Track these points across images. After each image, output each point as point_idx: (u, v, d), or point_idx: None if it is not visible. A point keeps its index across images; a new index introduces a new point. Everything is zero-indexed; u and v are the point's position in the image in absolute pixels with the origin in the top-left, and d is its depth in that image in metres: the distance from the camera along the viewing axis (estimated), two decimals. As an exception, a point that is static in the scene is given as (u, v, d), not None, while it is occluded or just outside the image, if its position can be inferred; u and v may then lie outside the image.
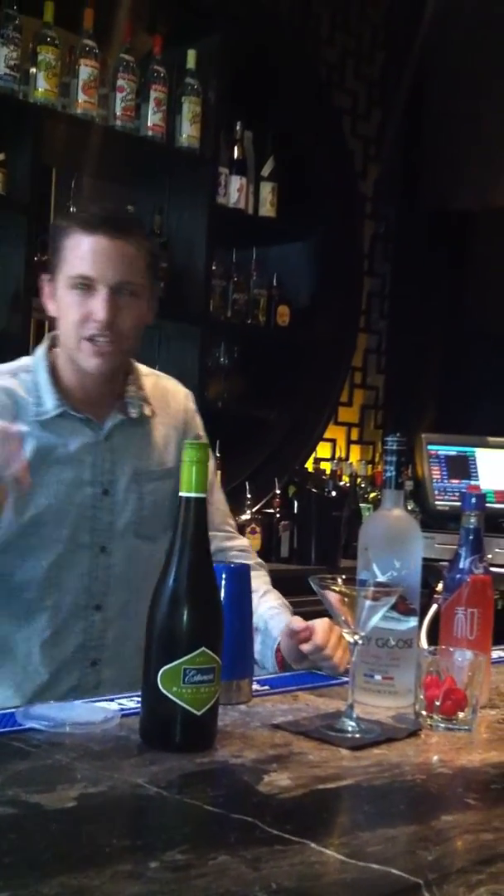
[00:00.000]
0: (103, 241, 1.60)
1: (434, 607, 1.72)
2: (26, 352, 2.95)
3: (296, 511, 3.66)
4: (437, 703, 1.34)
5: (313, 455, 4.19)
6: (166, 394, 1.83)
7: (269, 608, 1.70)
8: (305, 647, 1.57)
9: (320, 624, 1.57)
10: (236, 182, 3.63)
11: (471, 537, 1.52)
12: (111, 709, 1.32)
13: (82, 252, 1.61)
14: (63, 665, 1.68)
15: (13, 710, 1.28)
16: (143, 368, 1.81)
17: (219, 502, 1.87)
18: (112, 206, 1.70)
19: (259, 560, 1.88)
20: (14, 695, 1.66)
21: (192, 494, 1.23)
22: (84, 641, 1.69)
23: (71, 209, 3.21)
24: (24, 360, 1.74)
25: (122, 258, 1.62)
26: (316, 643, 1.55)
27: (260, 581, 1.75)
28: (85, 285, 1.61)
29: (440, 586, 1.59)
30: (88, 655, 1.69)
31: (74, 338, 1.63)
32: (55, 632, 1.67)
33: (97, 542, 1.69)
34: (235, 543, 1.88)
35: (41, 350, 1.73)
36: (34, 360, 1.72)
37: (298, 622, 1.59)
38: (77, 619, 1.69)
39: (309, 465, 4.08)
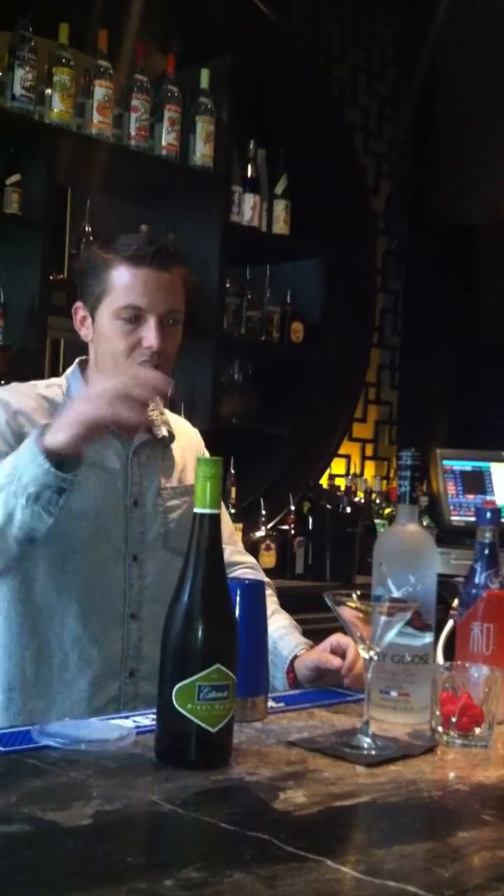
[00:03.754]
0: (152, 273, 1.68)
1: (450, 623, 1.71)
2: (42, 368, 3.00)
3: (310, 527, 3.66)
4: (454, 720, 1.33)
5: (328, 471, 4.19)
6: (179, 424, 1.92)
7: (278, 628, 1.72)
8: (344, 667, 1.58)
9: (348, 646, 1.58)
10: (250, 200, 3.65)
11: (486, 552, 1.52)
12: (126, 726, 1.32)
13: (131, 284, 1.67)
14: (102, 674, 1.69)
15: (28, 728, 1.28)
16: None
17: (224, 518, 1.90)
18: (152, 237, 1.76)
19: (267, 579, 1.90)
20: (50, 708, 1.66)
21: (207, 511, 1.24)
22: (122, 649, 1.71)
23: (86, 229, 3.24)
24: (54, 379, 1.82)
25: (168, 288, 1.70)
26: (351, 657, 1.57)
27: (269, 600, 1.76)
28: (134, 315, 1.68)
29: (456, 602, 1.58)
30: (126, 665, 1.71)
31: (122, 364, 1.69)
32: (93, 638, 1.69)
33: (130, 551, 1.73)
34: (244, 559, 1.92)
35: (71, 370, 1.80)
36: (65, 379, 1.79)
37: (330, 659, 1.60)
38: (115, 626, 1.71)
39: (323, 482, 4.08)
